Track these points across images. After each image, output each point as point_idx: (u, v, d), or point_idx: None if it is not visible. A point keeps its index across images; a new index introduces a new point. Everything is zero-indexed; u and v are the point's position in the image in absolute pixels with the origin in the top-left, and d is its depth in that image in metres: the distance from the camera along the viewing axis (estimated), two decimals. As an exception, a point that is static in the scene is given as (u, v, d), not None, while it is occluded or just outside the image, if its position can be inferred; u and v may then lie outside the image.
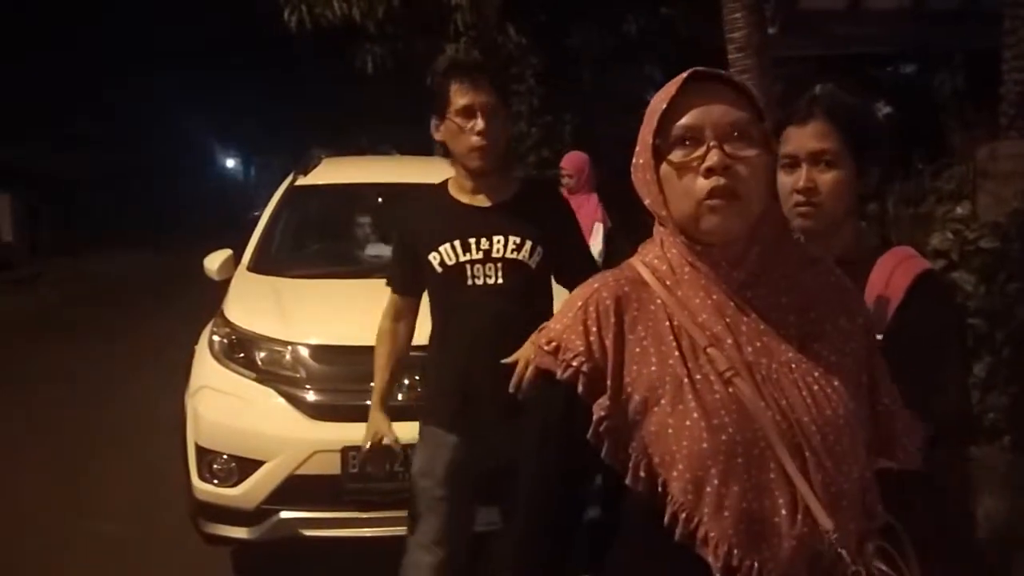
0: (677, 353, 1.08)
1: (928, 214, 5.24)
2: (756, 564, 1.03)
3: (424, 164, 4.95)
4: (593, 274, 2.47)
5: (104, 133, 25.54)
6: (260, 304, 3.63)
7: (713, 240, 1.09)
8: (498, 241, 2.30)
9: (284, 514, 3.11)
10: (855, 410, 1.08)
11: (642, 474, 1.07)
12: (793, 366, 1.08)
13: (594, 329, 1.10)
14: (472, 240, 2.30)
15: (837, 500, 1.04)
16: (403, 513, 2.51)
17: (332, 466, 3.03)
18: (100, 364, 7.43)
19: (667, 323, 1.10)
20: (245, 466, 3.13)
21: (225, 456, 3.17)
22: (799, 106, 1.60)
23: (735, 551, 1.03)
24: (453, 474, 2.35)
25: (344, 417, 3.04)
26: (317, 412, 3.15)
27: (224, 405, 3.27)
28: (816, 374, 1.08)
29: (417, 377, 2.94)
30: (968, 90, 7.01)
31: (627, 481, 1.08)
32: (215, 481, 3.19)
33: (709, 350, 1.08)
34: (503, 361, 2.16)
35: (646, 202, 1.14)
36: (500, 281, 2.29)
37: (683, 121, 1.08)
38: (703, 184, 1.06)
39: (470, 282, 2.30)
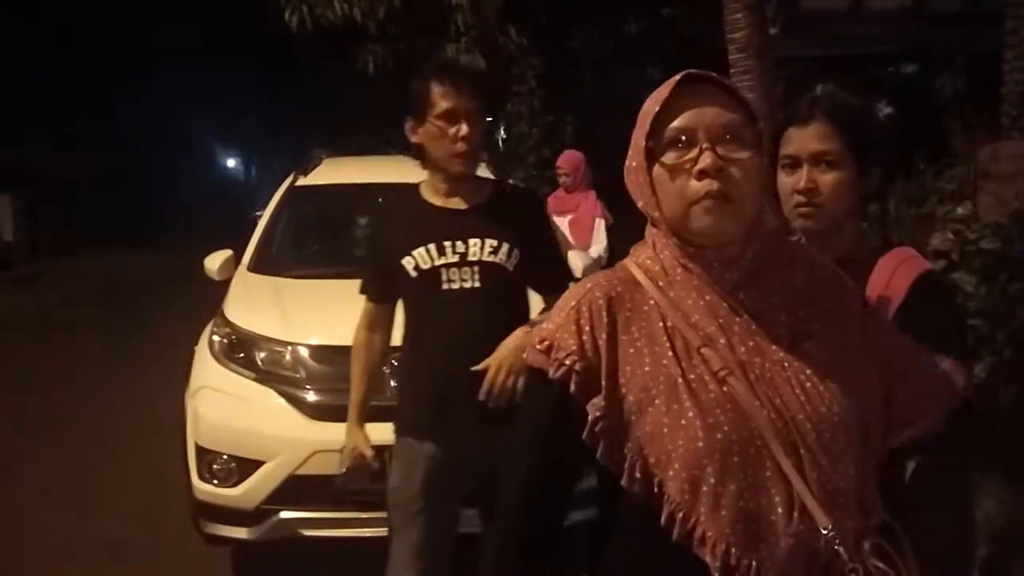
0: (671, 353, 1.09)
1: (929, 214, 5.24)
2: (754, 563, 1.03)
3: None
4: (566, 279, 2.46)
5: (105, 133, 25.60)
6: (260, 304, 3.63)
7: (706, 242, 1.10)
8: (474, 244, 2.25)
9: (284, 514, 3.12)
10: (850, 407, 1.08)
11: (638, 474, 1.07)
12: (786, 365, 1.08)
13: (587, 329, 1.11)
14: (447, 243, 2.24)
15: (834, 498, 1.04)
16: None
17: (332, 466, 3.03)
18: (100, 364, 7.44)
19: (660, 324, 1.11)
20: (245, 466, 3.14)
21: (225, 456, 3.18)
22: (800, 107, 1.60)
23: (733, 550, 1.03)
24: (430, 486, 2.29)
25: (344, 417, 3.05)
26: (317, 412, 3.15)
27: (224, 405, 3.27)
28: (809, 372, 1.08)
29: None
30: (970, 91, 7.01)
31: (623, 482, 1.08)
32: (215, 481, 3.19)
33: (703, 350, 1.08)
34: (473, 368, 2.14)
35: (639, 204, 1.15)
36: (477, 284, 2.24)
37: (676, 123, 1.09)
38: (696, 186, 1.07)
39: (445, 286, 2.24)
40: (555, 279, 2.38)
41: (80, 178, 24.25)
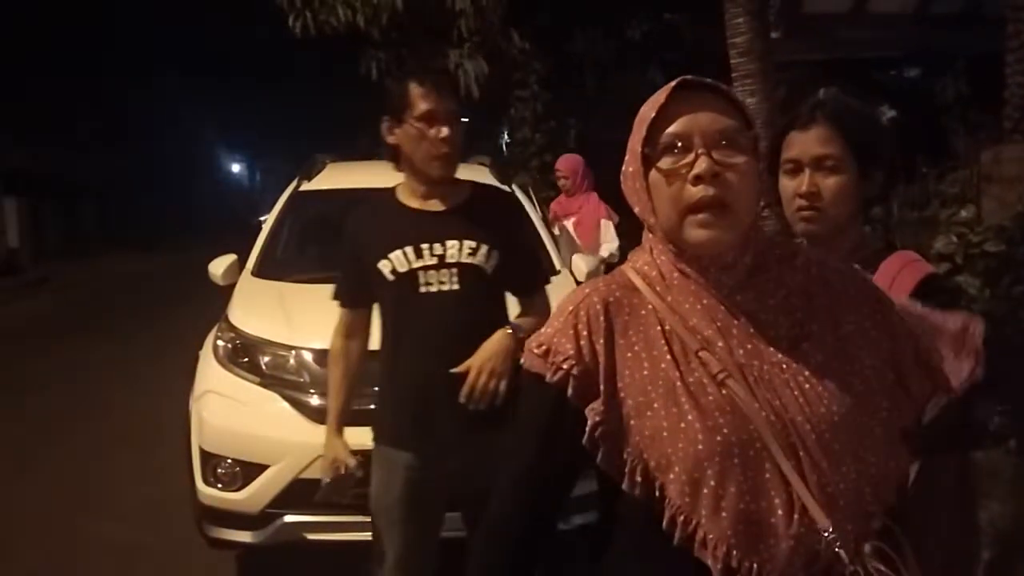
0: (669, 357, 1.09)
1: (932, 218, 5.24)
2: (755, 565, 1.03)
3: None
4: (543, 281, 2.43)
5: (110, 138, 25.66)
6: (264, 309, 3.64)
7: (703, 252, 1.10)
8: (452, 246, 2.20)
9: (288, 518, 3.12)
10: (850, 407, 1.08)
11: (638, 478, 1.07)
12: (784, 366, 1.08)
13: (584, 333, 1.11)
14: (425, 246, 2.20)
15: (834, 500, 1.04)
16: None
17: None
18: (105, 368, 7.46)
19: (658, 328, 1.11)
20: (249, 470, 3.14)
21: (229, 460, 3.18)
22: (802, 111, 1.61)
23: (733, 552, 1.03)
24: (411, 494, 2.25)
25: (348, 421, 3.05)
26: (321, 416, 3.13)
27: (228, 409, 3.28)
28: (807, 373, 1.08)
29: None
30: (972, 94, 7.01)
31: (624, 486, 1.08)
32: (219, 485, 3.20)
33: (701, 353, 1.08)
34: (452, 371, 2.11)
35: (636, 210, 1.15)
36: (455, 287, 2.19)
37: (671, 129, 1.09)
38: (692, 192, 1.07)
39: (423, 289, 2.20)
40: (532, 281, 2.38)
41: (85, 182, 24.29)
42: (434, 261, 2.20)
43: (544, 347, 1.13)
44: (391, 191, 2.35)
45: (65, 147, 22.66)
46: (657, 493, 1.06)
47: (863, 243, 1.61)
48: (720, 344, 1.09)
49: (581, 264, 4.38)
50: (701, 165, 1.06)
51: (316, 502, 2.84)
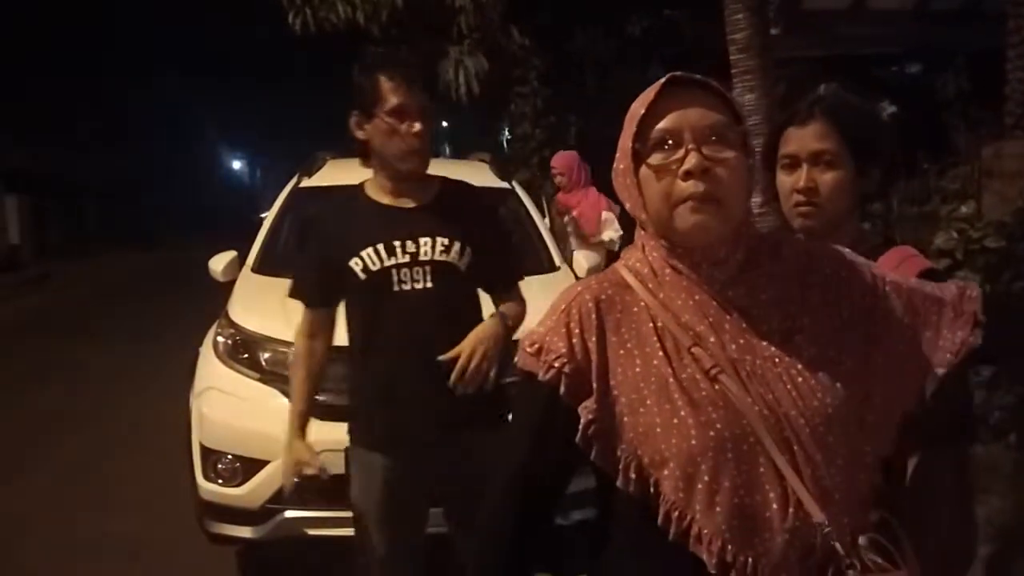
0: (661, 353, 1.09)
1: (933, 213, 5.25)
2: (750, 559, 1.04)
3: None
4: (518, 277, 2.41)
5: (110, 138, 25.68)
6: (264, 305, 3.64)
7: (692, 243, 1.10)
8: (425, 243, 2.14)
9: (289, 513, 3.12)
10: (845, 398, 1.08)
11: (633, 475, 1.08)
12: (776, 360, 1.09)
13: (576, 331, 1.12)
14: (397, 243, 2.13)
15: (828, 493, 1.05)
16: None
17: (336, 466, 3.03)
18: (106, 365, 7.47)
19: (650, 325, 1.11)
20: (249, 466, 3.14)
21: (230, 456, 3.19)
22: (799, 107, 1.61)
23: (728, 547, 1.04)
24: (392, 495, 2.21)
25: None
26: (321, 412, 3.15)
27: (228, 405, 3.28)
28: (800, 367, 1.08)
29: None
30: (973, 90, 7.01)
31: (618, 483, 1.08)
32: (220, 481, 3.20)
33: (693, 349, 1.09)
34: (440, 358, 2.07)
35: (627, 206, 1.16)
36: (429, 285, 2.13)
37: (661, 125, 1.09)
38: (682, 187, 1.07)
39: (397, 287, 2.13)
40: (507, 278, 2.33)
41: (86, 180, 24.32)
42: (407, 259, 2.14)
43: (537, 346, 1.14)
44: (359, 187, 2.27)
45: (65, 147, 22.68)
46: (652, 489, 1.07)
47: (861, 239, 1.61)
48: (712, 339, 1.09)
49: (582, 260, 4.38)
50: (691, 161, 1.07)
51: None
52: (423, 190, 2.22)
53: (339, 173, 4.70)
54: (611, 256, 5.34)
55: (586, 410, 1.09)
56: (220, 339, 3.49)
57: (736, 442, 1.04)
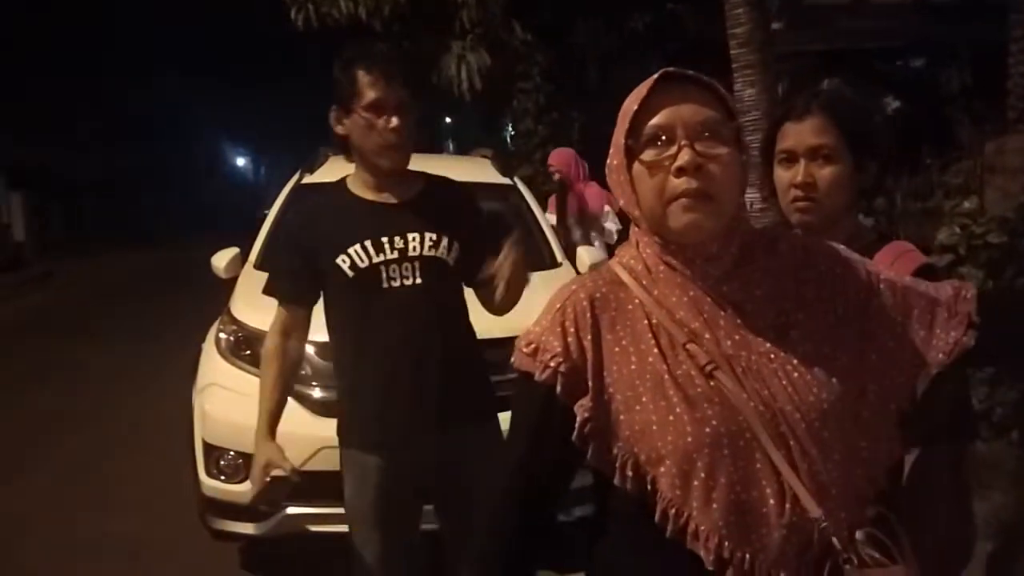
0: (656, 351, 1.09)
1: (936, 209, 5.23)
2: (747, 556, 1.04)
3: (430, 161, 4.95)
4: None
5: (110, 137, 25.71)
6: (266, 302, 3.62)
7: (686, 240, 1.10)
8: (413, 239, 2.11)
9: (291, 510, 3.13)
10: (841, 393, 1.08)
11: (629, 472, 1.08)
12: (772, 356, 1.08)
13: (572, 330, 1.12)
14: (385, 239, 2.09)
15: (825, 488, 1.05)
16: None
17: (338, 462, 3.04)
18: (108, 364, 7.47)
19: (645, 322, 1.11)
20: (252, 462, 3.14)
21: (232, 452, 3.20)
22: (797, 102, 1.61)
23: (725, 543, 1.04)
24: (386, 496, 2.18)
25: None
26: (323, 408, 3.16)
27: (231, 402, 3.29)
28: (795, 362, 1.08)
29: None
30: (976, 84, 6.98)
31: (615, 480, 1.08)
32: (222, 477, 3.21)
33: (688, 346, 1.09)
34: (482, 276, 2.06)
35: (621, 203, 1.15)
36: (419, 281, 2.10)
37: (654, 121, 1.09)
38: (675, 184, 1.07)
39: (386, 284, 2.09)
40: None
41: (89, 177, 24.36)
42: (395, 255, 2.10)
43: (533, 345, 1.14)
44: (341, 183, 2.24)
45: (65, 146, 22.72)
46: (648, 487, 1.07)
47: (858, 234, 1.60)
48: (707, 336, 1.09)
49: (585, 256, 4.38)
50: (683, 157, 1.06)
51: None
52: (407, 185, 2.19)
53: (341, 169, 4.70)
54: (610, 250, 5.36)
55: (582, 408, 1.09)
56: (222, 336, 3.50)
57: (732, 438, 1.04)
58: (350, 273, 2.10)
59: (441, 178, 2.30)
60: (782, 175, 1.60)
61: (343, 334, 2.21)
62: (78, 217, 23.32)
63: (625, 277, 1.15)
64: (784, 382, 1.07)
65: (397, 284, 2.10)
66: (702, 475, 1.04)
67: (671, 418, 1.06)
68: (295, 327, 2.25)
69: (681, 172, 1.07)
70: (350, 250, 2.10)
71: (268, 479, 2.20)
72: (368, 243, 2.09)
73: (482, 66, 9.22)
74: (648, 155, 1.09)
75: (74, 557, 3.74)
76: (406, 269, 2.10)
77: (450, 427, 2.13)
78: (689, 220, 1.07)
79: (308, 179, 4.55)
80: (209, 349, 3.55)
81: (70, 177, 22.76)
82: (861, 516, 1.09)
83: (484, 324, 2.35)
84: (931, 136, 6.43)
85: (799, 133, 1.57)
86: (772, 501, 1.04)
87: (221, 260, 4.11)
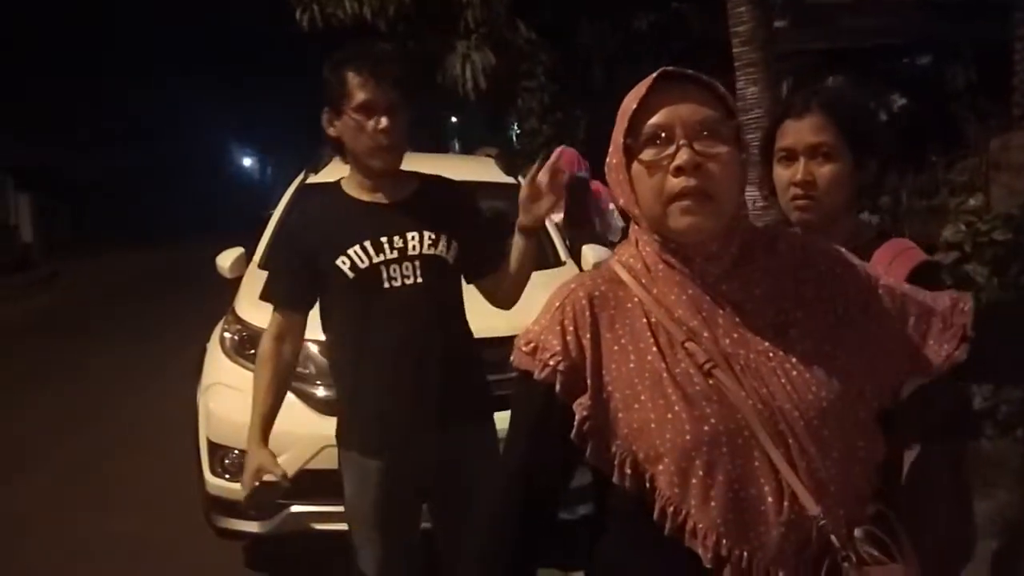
0: (655, 349, 1.09)
1: (941, 206, 5.22)
2: (745, 553, 1.04)
3: (434, 161, 4.97)
4: (503, 259, 2.40)
5: (120, 133, 25.77)
6: (271, 301, 3.65)
7: (686, 240, 1.10)
8: (413, 238, 2.10)
9: (295, 508, 3.14)
10: (839, 392, 1.08)
11: (628, 471, 1.08)
12: (771, 354, 1.08)
13: (571, 329, 1.12)
14: (384, 239, 2.08)
15: (823, 486, 1.05)
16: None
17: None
18: (116, 363, 7.49)
19: (644, 320, 1.11)
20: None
21: (236, 451, 3.20)
22: (796, 100, 1.61)
23: (723, 541, 1.04)
24: (387, 498, 2.18)
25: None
26: (327, 407, 3.17)
27: (235, 401, 3.28)
28: (794, 360, 1.08)
29: None
30: (981, 81, 6.95)
31: (614, 478, 1.09)
32: (227, 476, 3.23)
33: (687, 344, 1.09)
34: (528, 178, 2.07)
35: (620, 202, 1.16)
36: (419, 280, 2.09)
37: (653, 120, 1.09)
38: (673, 183, 1.07)
39: (387, 284, 2.08)
40: (492, 265, 2.28)
41: (95, 178, 24.42)
42: (395, 255, 2.09)
43: (532, 344, 1.14)
44: (336, 184, 2.23)
45: (66, 147, 22.76)
46: (647, 485, 1.07)
47: (858, 232, 1.61)
48: (706, 334, 1.09)
49: (589, 254, 4.38)
50: (682, 156, 1.06)
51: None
52: (401, 186, 2.18)
53: (346, 169, 4.71)
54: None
55: (581, 407, 1.09)
56: (227, 335, 3.51)
57: (731, 436, 1.05)
58: (350, 274, 2.09)
59: (436, 177, 2.29)
60: (782, 173, 1.61)
61: (343, 336, 2.20)
62: (82, 218, 23.38)
63: (624, 275, 1.15)
64: (783, 380, 1.07)
65: (398, 284, 2.09)
66: (700, 473, 1.04)
67: (669, 416, 1.06)
68: (290, 332, 2.22)
69: (680, 171, 1.07)
70: (350, 251, 2.08)
71: (257, 483, 2.18)
72: (368, 243, 2.09)
73: (487, 66, 9.22)
74: (647, 154, 1.10)
75: (74, 557, 3.74)
76: (406, 268, 2.09)
77: (450, 426, 2.13)
78: (688, 220, 1.07)
79: (312, 179, 4.56)
80: (214, 348, 3.57)
81: (70, 177, 22.81)
82: (860, 514, 1.09)
83: (483, 323, 2.35)
84: (936, 133, 6.41)
85: (798, 131, 1.58)
86: (770, 499, 1.04)
87: (226, 260, 4.13)
